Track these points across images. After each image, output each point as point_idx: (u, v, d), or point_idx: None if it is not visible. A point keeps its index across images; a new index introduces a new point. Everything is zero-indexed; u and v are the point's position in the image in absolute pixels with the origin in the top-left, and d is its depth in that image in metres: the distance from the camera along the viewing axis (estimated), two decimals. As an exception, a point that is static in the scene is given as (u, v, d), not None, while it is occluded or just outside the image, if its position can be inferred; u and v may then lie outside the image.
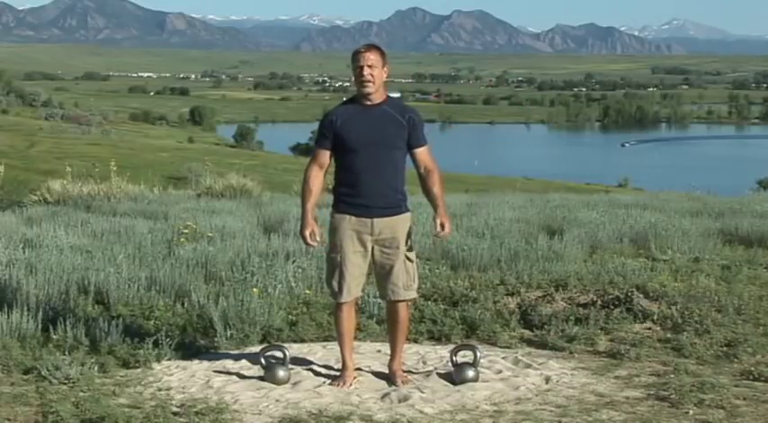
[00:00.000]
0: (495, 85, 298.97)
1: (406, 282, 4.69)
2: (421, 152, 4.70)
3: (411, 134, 4.66)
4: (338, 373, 4.81)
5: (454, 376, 4.75)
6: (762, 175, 50.09)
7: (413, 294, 4.79)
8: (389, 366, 4.85)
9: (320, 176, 4.72)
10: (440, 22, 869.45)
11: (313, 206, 4.69)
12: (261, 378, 4.77)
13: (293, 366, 4.90)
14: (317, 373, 4.86)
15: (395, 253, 4.66)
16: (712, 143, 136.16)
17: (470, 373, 4.74)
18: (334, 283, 4.68)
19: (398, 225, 4.66)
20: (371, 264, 4.72)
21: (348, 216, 4.64)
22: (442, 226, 4.61)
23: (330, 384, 4.70)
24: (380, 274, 4.72)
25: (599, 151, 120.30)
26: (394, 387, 4.65)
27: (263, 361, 4.81)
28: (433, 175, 4.69)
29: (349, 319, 4.76)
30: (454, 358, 4.84)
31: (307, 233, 4.64)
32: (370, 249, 4.67)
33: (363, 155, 4.60)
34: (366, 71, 4.57)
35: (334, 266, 4.69)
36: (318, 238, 4.66)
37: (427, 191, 4.71)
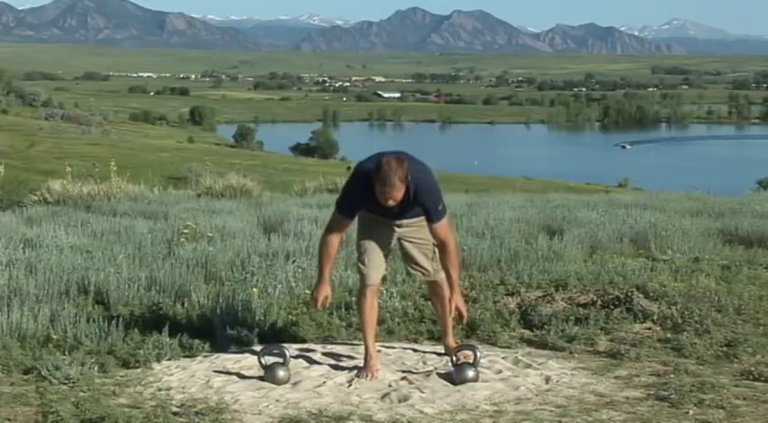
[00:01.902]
0: (495, 85, 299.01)
1: (435, 266, 4.91)
2: (434, 228, 4.72)
3: (427, 215, 4.71)
4: (340, 371, 4.83)
5: (454, 376, 4.75)
6: (762, 175, 50.13)
7: (441, 276, 4.94)
8: (444, 343, 5.13)
9: (339, 241, 4.83)
10: (440, 22, 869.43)
11: (330, 271, 4.82)
12: (261, 378, 4.77)
13: (295, 365, 4.90)
14: (317, 373, 4.85)
15: (423, 239, 4.85)
16: (712, 143, 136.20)
17: (470, 373, 4.74)
18: (362, 266, 4.82)
19: (425, 225, 4.79)
20: (399, 249, 4.92)
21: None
22: (458, 310, 4.78)
23: (357, 376, 4.74)
24: (409, 257, 4.92)
25: (599, 151, 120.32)
26: (394, 387, 4.64)
27: (263, 361, 4.81)
28: (445, 251, 4.75)
29: (372, 307, 4.85)
30: (454, 358, 4.84)
31: (320, 297, 4.76)
32: (396, 238, 4.86)
33: (378, 213, 4.76)
34: (390, 202, 4.57)
35: (363, 250, 4.82)
36: (329, 303, 4.81)
37: (443, 266, 4.82)
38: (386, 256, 4.91)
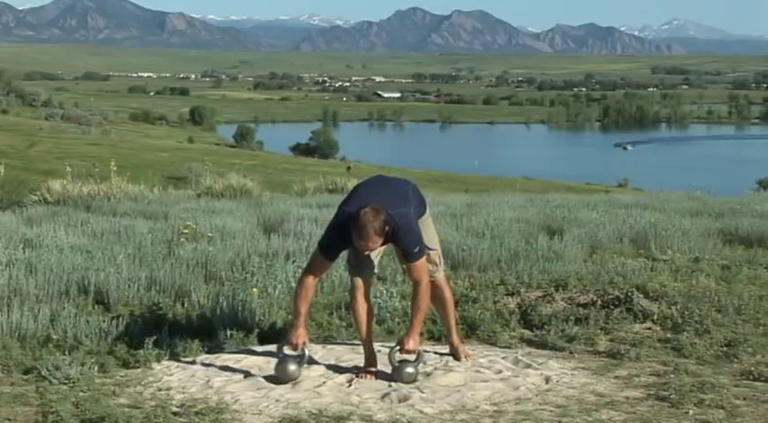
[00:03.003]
0: (495, 85, 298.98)
1: (432, 268, 4.92)
2: (410, 267, 4.74)
3: (404, 255, 4.72)
4: (340, 371, 4.83)
5: (394, 375, 4.71)
6: (762, 175, 50.14)
7: (439, 274, 5.00)
8: (449, 341, 5.14)
9: (316, 283, 4.86)
10: (440, 22, 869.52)
11: (306, 314, 4.78)
12: (266, 377, 4.75)
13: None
14: (317, 373, 4.85)
15: None
16: (712, 143, 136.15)
17: (408, 370, 4.70)
18: (351, 268, 4.85)
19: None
20: (396, 251, 4.91)
21: None
22: (402, 344, 4.70)
23: (357, 376, 4.74)
24: (404, 262, 4.90)
25: (599, 151, 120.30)
26: (394, 387, 4.64)
27: (283, 349, 4.77)
28: (417, 291, 4.73)
29: (364, 309, 4.82)
30: (393, 359, 4.76)
31: (298, 342, 4.73)
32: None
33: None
34: (366, 252, 4.62)
35: (352, 251, 4.80)
36: (306, 347, 4.76)
37: (412, 304, 4.81)
38: (376, 258, 4.88)
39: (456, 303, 6.18)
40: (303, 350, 4.76)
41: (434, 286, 4.97)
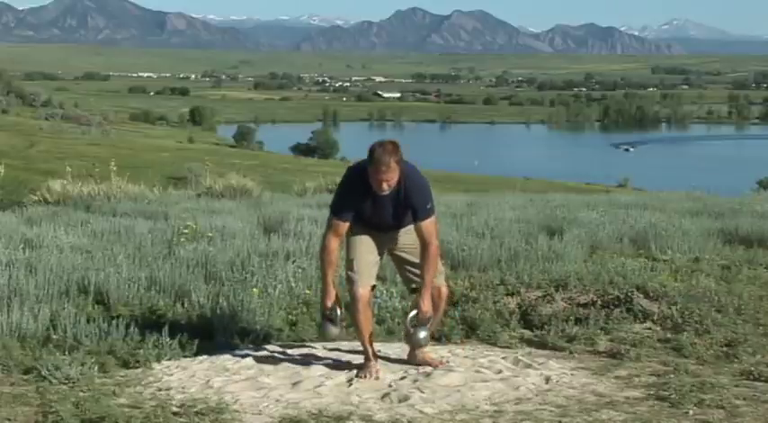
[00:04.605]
0: (495, 85, 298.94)
1: (439, 269, 4.86)
2: (419, 226, 4.72)
3: (414, 213, 4.70)
4: (340, 371, 4.83)
5: (406, 341, 4.84)
6: (762, 175, 50.07)
7: (439, 281, 4.92)
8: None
9: (338, 244, 4.82)
10: (440, 22, 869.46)
11: (333, 276, 4.80)
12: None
13: (295, 365, 4.90)
14: (318, 373, 4.85)
15: (416, 245, 4.79)
16: (712, 143, 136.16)
17: (422, 333, 4.75)
18: (350, 273, 4.78)
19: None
20: (394, 257, 4.91)
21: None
22: (417, 306, 4.71)
23: (357, 377, 4.75)
24: (403, 263, 4.89)
25: (599, 151, 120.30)
26: (394, 387, 4.64)
27: (337, 312, 4.80)
28: (426, 251, 4.71)
29: (364, 312, 4.80)
30: (409, 324, 4.79)
31: (329, 302, 4.77)
32: (386, 247, 4.85)
33: (371, 226, 4.76)
34: (384, 185, 4.58)
35: (351, 258, 4.78)
36: (340, 309, 4.80)
37: (420, 265, 4.77)
38: (377, 263, 4.85)
39: (456, 303, 6.20)
40: (336, 309, 4.79)
41: (439, 293, 4.92)
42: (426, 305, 4.71)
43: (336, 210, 4.73)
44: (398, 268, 5.05)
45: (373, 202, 4.66)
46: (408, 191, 4.63)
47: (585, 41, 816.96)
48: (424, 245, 4.71)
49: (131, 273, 6.68)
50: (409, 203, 4.67)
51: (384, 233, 4.82)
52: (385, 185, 4.56)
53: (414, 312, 4.76)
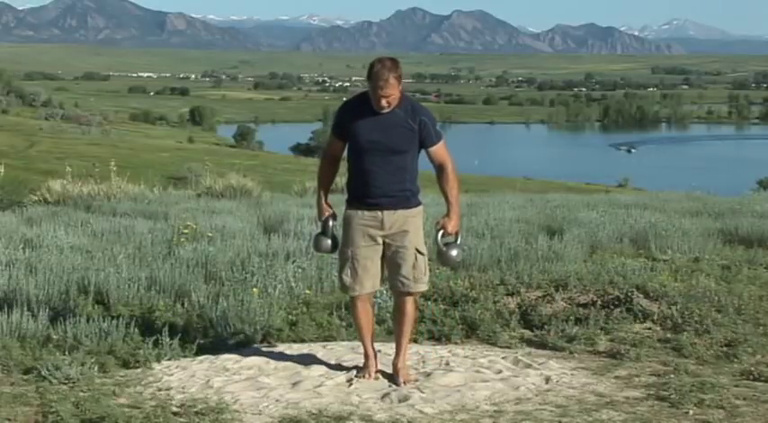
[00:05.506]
0: (495, 85, 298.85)
1: (416, 274, 4.68)
2: (433, 151, 4.69)
3: (423, 137, 4.65)
4: (340, 371, 4.83)
5: (443, 260, 4.84)
6: (762, 175, 50.08)
7: (423, 287, 4.77)
8: (394, 363, 4.79)
9: (333, 165, 4.82)
10: (440, 22, 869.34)
11: (326, 191, 4.81)
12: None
13: (295, 365, 4.90)
14: (318, 373, 4.85)
15: (406, 246, 4.66)
16: (712, 143, 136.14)
17: (454, 251, 4.75)
18: (345, 277, 4.72)
19: (408, 218, 4.68)
20: (383, 256, 4.76)
21: (359, 211, 4.68)
22: (444, 226, 4.66)
23: (356, 376, 4.74)
24: (391, 266, 4.72)
25: (599, 151, 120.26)
26: (394, 387, 4.64)
27: (329, 224, 4.81)
28: (444, 172, 4.69)
29: (364, 313, 4.78)
30: (440, 243, 4.76)
31: (324, 214, 4.79)
32: (381, 243, 4.69)
33: (371, 157, 4.61)
34: (383, 101, 4.55)
35: (345, 260, 4.72)
36: (333, 221, 4.79)
37: (441, 189, 4.76)
38: (376, 265, 4.71)
39: (456, 303, 6.19)
40: (328, 223, 4.79)
41: (406, 301, 4.73)
42: (452, 226, 4.67)
43: (335, 128, 4.75)
44: (388, 270, 4.79)
45: (376, 123, 4.61)
46: (416, 108, 4.65)
47: (585, 41, 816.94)
48: (441, 167, 4.69)
49: (131, 273, 6.68)
50: (418, 120, 4.61)
51: (380, 208, 4.62)
52: (384, 102, 4.54)
53: (441, 233, 4.73)
